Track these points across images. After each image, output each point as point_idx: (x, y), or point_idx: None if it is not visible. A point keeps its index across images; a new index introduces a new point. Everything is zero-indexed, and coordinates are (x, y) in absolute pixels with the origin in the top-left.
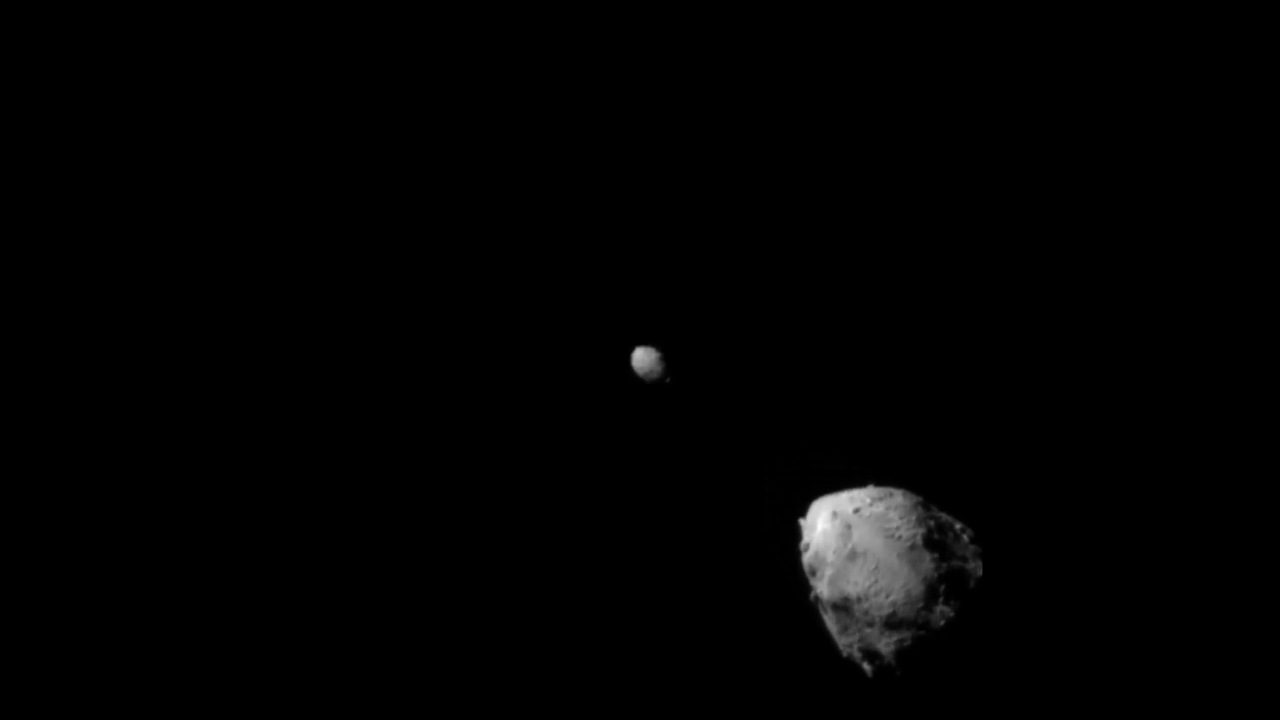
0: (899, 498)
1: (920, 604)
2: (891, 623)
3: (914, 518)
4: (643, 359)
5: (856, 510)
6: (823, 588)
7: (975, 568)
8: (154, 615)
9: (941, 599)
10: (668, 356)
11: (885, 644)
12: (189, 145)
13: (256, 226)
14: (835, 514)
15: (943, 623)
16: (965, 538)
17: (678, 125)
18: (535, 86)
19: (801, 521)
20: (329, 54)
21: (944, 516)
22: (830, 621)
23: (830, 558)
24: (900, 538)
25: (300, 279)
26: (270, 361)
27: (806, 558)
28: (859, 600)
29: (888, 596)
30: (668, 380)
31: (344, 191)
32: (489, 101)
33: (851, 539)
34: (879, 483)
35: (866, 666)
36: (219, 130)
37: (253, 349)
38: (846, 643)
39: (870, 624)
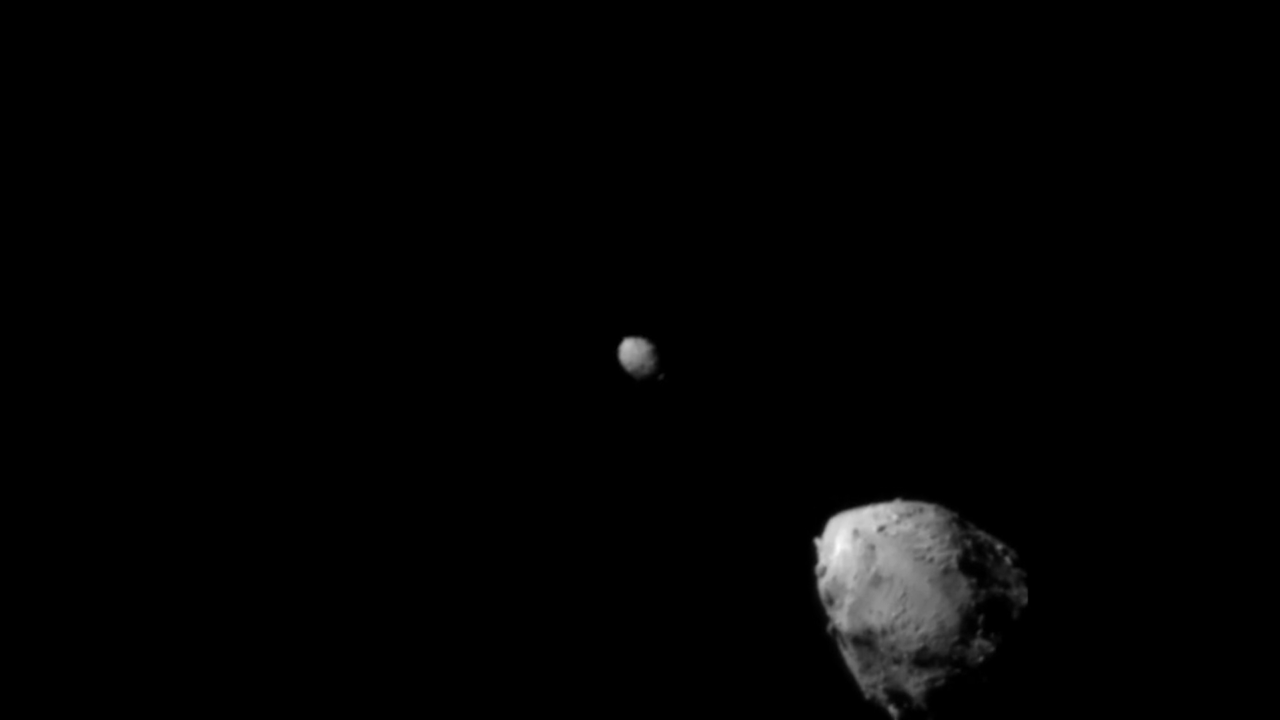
0: (930, 514)
1: (955, 637)
2: (922, 659)
3: (948, 537)
4: (632, 352)
5: (881, 528)
6: (842, 618)
7: (1019, 595)
8: (153, 614)
9: (980, 632)
10: (660, 349)
11: (915, 684)
12: (183, 142)
13: (242, 217)
14: (856, 533)
15: (981, 659)
16: (1007, 560)
17: (671, 95)
18: (521, 73)
19: (817, 541)
20: (319, 50)
21: (983, 536)
22: (850, 658)
23: (851, 584)
24: (932, 560)
25: (280, 272)
26: (253, 355)
27: (823, 583)
28: (884, 633)
29: (917, 629)
30: (660, 377)
31: (322, 184)
32: (473, 90)
33: (875, 562)
34: (907, 496)
35: (893, 710)
36: (206, 124)
37: (238, 341)
38: (870, 682)
39: (897, 661)
